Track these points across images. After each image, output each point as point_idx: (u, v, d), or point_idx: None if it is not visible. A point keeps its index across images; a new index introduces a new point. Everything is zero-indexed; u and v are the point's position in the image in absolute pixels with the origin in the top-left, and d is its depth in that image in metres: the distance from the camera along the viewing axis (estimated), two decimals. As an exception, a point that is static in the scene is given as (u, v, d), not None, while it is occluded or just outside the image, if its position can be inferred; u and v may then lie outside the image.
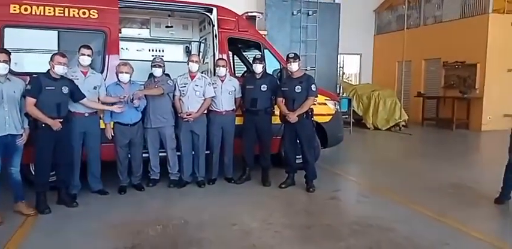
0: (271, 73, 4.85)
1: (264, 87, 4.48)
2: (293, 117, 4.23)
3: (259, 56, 4.59)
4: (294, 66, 4.29)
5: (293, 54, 4.32)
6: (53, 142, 3.58)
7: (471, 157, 6.83)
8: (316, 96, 4.37)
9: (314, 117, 4.41)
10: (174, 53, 6.00)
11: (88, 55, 3.85)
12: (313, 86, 4.26)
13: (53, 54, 3.61)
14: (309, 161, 4.41)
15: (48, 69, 3.59)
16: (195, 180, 4.58)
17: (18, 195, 3.60)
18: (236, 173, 4.76)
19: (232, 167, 4.72)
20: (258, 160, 4.72)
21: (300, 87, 4.24)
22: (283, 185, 4.49)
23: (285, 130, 4.49)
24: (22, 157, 3.56)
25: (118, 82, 4.13)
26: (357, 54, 13.14)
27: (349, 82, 13.09)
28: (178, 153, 4.50)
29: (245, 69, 6.20)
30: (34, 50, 4.04)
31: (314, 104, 4.40)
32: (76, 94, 3.74)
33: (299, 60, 4.34)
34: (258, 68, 4.48)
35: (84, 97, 3.80)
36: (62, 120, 3.59)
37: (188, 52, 6.00)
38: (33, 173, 3.89)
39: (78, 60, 3.88)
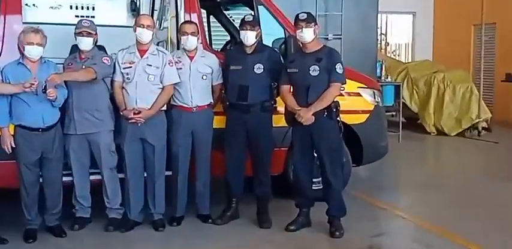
0: (270, 46, 4.87)
1: (259, 68, 4.52)
2: (307, 116, 4.25)
3: (251, 18, 4.62)
4: (307, 34, 4.31)
5: (305, 15, 4.35)
6: None
7: None
8: (344, 82, 4.40)
9: (341, 115, 4.43)
10: (111, 13, 5.98)
11: None
12: (338, 66, 4.28)
13: None
14: (333, 188, 4.43)
15: None
16: (149, 219, 4.58)
17: None
18: (216, 207, 4.77)
19: (209, 197, 4.75)
20: (250, 186, 4.74)
21: (317, 68, 4.27)
22: (292, 227, 4.50)
23: (294, 138, 4.51)
24: None
25: (21, 61, 4.14)
26: (409, 13, 13.20)
27: (396, 58, 13.16)
28: (121, 175, 4.52)
29: (228, 38, 6.23)
30: None
31: (341, 95, 4.41)
32: None
33: (316, 24, 4.36)
34: (249, 37, 4.51)
35: None
36: None
37: (134, 11, 6.01)
38: None
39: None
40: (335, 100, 4.34)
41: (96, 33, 4.39)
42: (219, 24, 6.26)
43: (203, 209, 4.77)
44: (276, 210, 4.78)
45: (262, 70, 4.52)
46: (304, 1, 8.29)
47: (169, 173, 4.63)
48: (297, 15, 4.39)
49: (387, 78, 9.53)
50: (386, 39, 13.08)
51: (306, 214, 4.59)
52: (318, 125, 4.30)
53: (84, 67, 4.28)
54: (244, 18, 4.61)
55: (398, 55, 14.11)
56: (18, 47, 4.15)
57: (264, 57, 4.56)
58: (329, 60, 4.30)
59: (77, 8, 5.87)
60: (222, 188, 4.77)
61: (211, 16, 6.24)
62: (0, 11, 4.32)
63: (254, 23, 4.55)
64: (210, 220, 4.71)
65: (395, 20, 13.91)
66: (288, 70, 4.42)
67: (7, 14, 4.33)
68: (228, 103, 4.63)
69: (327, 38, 8.27)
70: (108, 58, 4.40)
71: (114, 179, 4.49)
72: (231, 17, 6.33)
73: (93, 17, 5.71)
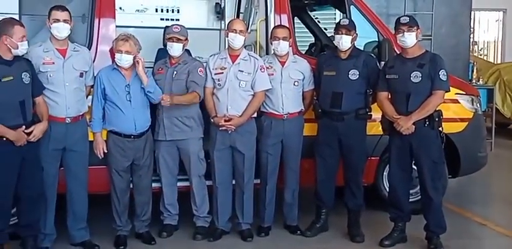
0: (364, 50, 4.85)
1: (354, 74, 4.50)
2: (407, 125, 4.22)
3: (347, 21, 4.60)
4: (409, 39, 4.27)
5: (408, 19, 4.32)
6: (17, 164, 3.75)
7: None
8: (448, 90, 4.35)
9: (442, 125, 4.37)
10: (195, 15, 6.14)
11: (65, 21, 3.98)
12: (442, 72, 4.22)
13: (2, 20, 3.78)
14: (433, 201, 4.36)
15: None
16: (236, 229, 4.64)
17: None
18: (304, 218, 4.78)
19: (297, 208, 4.76)
20: (341, 197, 4.73)
21: (419, 74, 4.23)
22: (387, 242, 4.48)
23: (391, 148, 4.49)
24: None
25: (116, 67, 4.26)
26: (499, 10, 12.83)
27: (484, 58, 12.80)
28: (209, 183, 4.59)
29: (312, 41, 6.18)
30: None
31: (444, 102, 4.36)
32: (35, 86, 3.87)
33: (418, 28, 4.32)
34: (344, 41, 4.49)
35: (43, 90, 3.93)
36: (28, 129, 3.75)
37: (219, 13, 6.10)
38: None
39: (51, 32, 4.02)
40: (437, 109, 4.28)
41: (186, 39, 4.42)
42: (304, 27, 6.23)
43: (291, 220, 4.79)
44: (367, 223, 4.76)
45: (358, 76, 4.50)
46: (392, 0, 8.19)
47: (257, 181, 4.67)
48: (398, 19, 4.35)
49: (478, 81, 9.28)
50: (473, 37, 12.69)
51: (402, 229, 4.54)
52: (418, 135, 4.25)
53: (175, 72, 4.37)
54: (339, 21, 4.62)
55: (486, 55, 13.70)
56: (111, 53, 4.30)
57: (359, 62, 4.54)
58: (432, 66, 4.24)
59: (162, 10, 6.07)
60: (311, 199, 4.76)
61: (294, 18, 6.22)
62: (95, 14, 4.46)
63: (350, 27, 4.52)
64: (298, 232, 4.72)
65: (482, 17, 13.53)
66: (387, 76, 4.39)
67: (101, 18, 4.47)
68: (320, 110, 4.62)
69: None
70: (202, 70, 4.45)
71: (202, 187, 4.57)
72: (316, 18, 6.31)
73: (178, 19, 5.90)
